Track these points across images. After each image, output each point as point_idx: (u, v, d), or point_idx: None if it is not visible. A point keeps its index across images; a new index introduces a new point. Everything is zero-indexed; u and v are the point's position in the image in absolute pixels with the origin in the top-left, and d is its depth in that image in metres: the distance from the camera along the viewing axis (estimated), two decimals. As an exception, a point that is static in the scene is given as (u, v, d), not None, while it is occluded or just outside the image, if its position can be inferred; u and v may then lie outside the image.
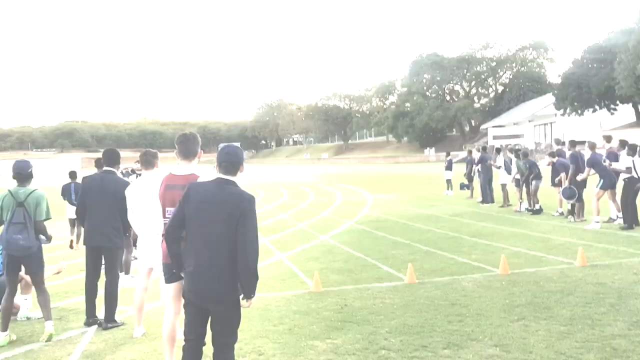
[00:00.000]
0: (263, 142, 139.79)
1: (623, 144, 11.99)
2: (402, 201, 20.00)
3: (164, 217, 4.30)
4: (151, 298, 6.29)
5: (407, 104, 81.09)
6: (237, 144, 4.85)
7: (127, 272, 8.33)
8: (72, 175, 12.14)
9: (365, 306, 6.41)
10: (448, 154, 23.70)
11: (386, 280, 7.73)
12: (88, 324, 6.10)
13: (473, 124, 79.99)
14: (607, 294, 6.40)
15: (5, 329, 5.61)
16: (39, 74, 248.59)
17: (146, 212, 5.48)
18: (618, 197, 11.99)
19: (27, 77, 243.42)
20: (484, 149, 19.79)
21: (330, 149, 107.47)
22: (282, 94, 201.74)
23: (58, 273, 6.81)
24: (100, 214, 6.04)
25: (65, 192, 11.92)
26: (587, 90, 39.73)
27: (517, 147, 17.59)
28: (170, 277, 4.33)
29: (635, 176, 11.18)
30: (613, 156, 12.21)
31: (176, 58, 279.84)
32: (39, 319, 6.50)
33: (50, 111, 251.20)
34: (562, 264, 8.16)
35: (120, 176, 7.01)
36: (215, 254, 3.56)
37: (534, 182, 14.45)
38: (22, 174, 5.72)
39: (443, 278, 7.67)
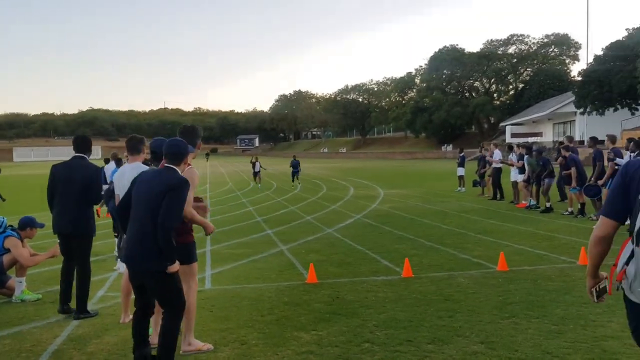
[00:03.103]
0: (281, 134, 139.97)
1: (638, 144, 11.68)
2: (413, 196, 19.86)
3: None
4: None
5: (426, 100, 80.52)
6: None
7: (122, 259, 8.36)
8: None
9: (357, 299, 6.35)
10: (461, 151, 23.46)
11: (382, 274, 7.66)
12: (62, 311, 5.94)
13: (492, 121, 79.12)
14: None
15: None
16: (62, 62, 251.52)
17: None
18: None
19: (50, 65, 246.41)
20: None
21: (348, 143, 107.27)
22: (301, 86, 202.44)
23: (53, 257, 6.84)
24: (68, 201, 5.91)
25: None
26: (608, 89, 38.95)
27: (528, 144, 17.23)
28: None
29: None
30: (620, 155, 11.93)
31: (198, 49, 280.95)
32: (33, 301, 6.58)
33: (72, 99, 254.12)
34: (564, 263, 8.00)
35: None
36: (141, 225, 3.99)
37: (546, 180, 14.22)
38: (157, 152, 5.56)
39: (440, 273, 7.58)
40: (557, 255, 8.56)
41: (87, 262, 6.01)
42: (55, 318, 5.91)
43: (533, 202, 14.96)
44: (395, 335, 5.00)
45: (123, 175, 5.54)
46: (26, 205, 17.91)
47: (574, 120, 49.29)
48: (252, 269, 8.21)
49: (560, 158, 13.50)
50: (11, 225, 6.95)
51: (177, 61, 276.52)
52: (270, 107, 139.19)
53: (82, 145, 6.18)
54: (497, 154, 18.09)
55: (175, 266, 3.97)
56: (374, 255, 9.04)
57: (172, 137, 4.51)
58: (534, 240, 10.06)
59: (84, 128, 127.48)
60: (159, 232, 3.85)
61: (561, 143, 14.37)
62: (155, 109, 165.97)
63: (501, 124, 70.84)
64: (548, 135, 56.51)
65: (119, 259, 8.36)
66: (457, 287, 6.81)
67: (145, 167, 5.48)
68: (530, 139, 52.34)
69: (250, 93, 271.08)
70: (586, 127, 44.66)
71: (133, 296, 5.88)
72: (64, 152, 65.66)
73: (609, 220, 2.57)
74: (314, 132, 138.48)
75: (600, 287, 2.75)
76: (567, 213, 13.43)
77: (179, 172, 4.16)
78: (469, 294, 6.46)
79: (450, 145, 74.21)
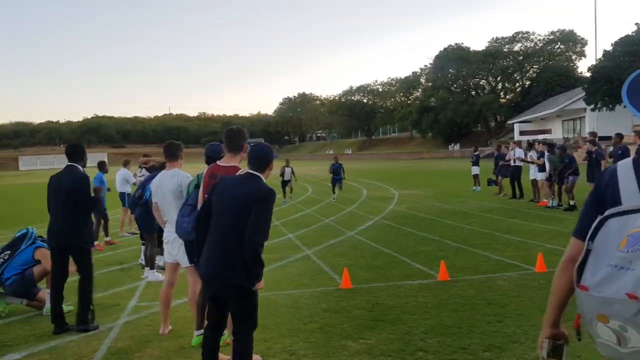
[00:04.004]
0: (286, 137, 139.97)
1: None
2: (428, 197, 19.66)
3: None
4: (177, 294, 6.14)
5: (432, 99, 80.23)
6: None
7: (152, 267, 8.22)
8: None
9: (398, 304, 6.17)
10: (475, 149, 23.22)
11: (417, 277, 7.47)
12: (57, 332, 5.66)
13: (499, 120, 78.79)
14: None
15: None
16: (65, 70, 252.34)
17: (170, 206, 5.31)
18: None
19: (54, 73, 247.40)
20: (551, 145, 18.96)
21: (353, 145, 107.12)
22: (305, 88, 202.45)
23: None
24: (57, 212, 5.74)
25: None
26: (618, 84, 38.55)
27: (551, 142, 17.02)
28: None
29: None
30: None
31: (201, 54, 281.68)
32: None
33: (77, 107, 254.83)
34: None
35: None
36: (229, 238, 3.69)
37: (570, 178, 14.01)
38: (214, 157, 5.15)
39: (477, 276, 7.39)
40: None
41: (88, 273, 5.79)
42: (99, 329, 5.74)
43: (555, 202, 14.75)
44: (448, 343, 4.82)
45: (162, 183, 5.38)
46: (32, 215, 17.80)
47: (584, 116, 48.89)
48: (282, 274, 8.04)
49: (585, 154, 13.29)
50: (40, 236, 6.81)
51: (181, 66, 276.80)
52: (274, 111, 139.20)
53: (73, 154, 5.96)
54: (519, 152, 17.88)
55: (262, 283, 3.77)
56: (402, 257, 8.85)
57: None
58: (564, 239, 9.83)
59: (90, 135, 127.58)
60: (247, 248, 3.61)
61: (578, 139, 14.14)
62: (160, 114, 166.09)
63: (509, 122, 70.50)
64: (557, 132, 56.10)
65: (147, 268, 8.22)
66: (497, 290, 6.63)
67: (187, 174, 5.33)
68: (540, 137, 51.96)
69: (255, 97, 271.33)
70: (596, 123, 44.33)
71: (172, 305, 5.78)
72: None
73: (578, 241, 1.96)
74: (318, 134, 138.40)
75: (557, 344, 2.03)
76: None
77: (264, 180, 3.94)
78: (512, 297, 6.27)
79: (458, 145, 73.92)
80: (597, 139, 14.04)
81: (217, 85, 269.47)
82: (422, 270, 7.92)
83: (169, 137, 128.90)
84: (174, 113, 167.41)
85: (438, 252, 9.22)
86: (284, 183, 20.30)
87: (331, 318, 5.75)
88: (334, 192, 20.45)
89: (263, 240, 3.67)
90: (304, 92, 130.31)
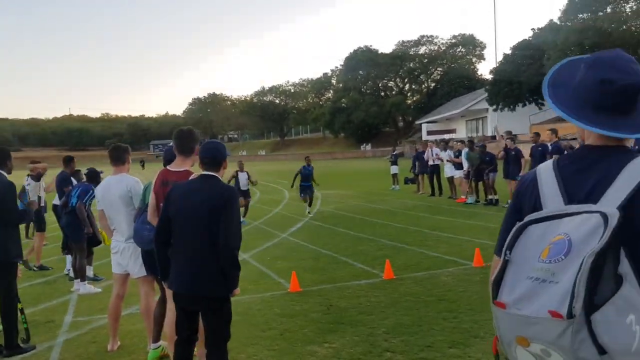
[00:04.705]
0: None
1: None
2: (351, 196, 19.95)
3: (159, 214, 4.08)
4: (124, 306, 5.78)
5: (344, 100, 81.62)
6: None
7: (82, 279, 7.70)
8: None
9: (352, 305, 6.18)
10: (394, 149, 23.89)
11: (363, 277, 7.54)
12: None
13: (407, 120, 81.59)
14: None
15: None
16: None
17: (118, 213, 4.99)
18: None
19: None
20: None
21: (267, 146, 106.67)
22: (215, 88, 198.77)
23: None
24: None
25: None
26: (517, 86, 41.26)
27: (471, 139, 17.84)
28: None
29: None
30: (556, 149, 12.50)
31: (101, 51, 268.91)
32: None
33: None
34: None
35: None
36: (199, 247, 3.52)
37: (490, 175, 14.73)
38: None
39: (420, 273, 7.57)
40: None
41: (11, 291, 5.25)
42: (36, 349, 5.28)
43: (473, 198, 15.46)
44: (413, 342, 4.89)
45: (109, 189, 5.04)
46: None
47: (486, 116, 51.75)
48: (225, 281, 7.80)
49: (502, 152, 14.05)
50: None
51: (81, 65, 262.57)
52: (183, 111, 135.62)
53: None
54: (437, 151, 18.57)
55: (238, 290, 3.64)
56: (344, 258, 8.90)
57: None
58: (491, 234, 10.33)
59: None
60: (224, 255, 3.45)
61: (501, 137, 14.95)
62: (59, 116, 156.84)
63: (416, 122, 73.20)
64: (461, 132, 58.95)
65: (77, 280, 7.69)
66: (443, 286, 6.82)
67: (135, 179, 5.03)
68: (447, 136, 54.37)
69: (161, 97, 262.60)
70: (498, 122, 47.03)
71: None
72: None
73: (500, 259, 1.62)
74: (230, 135, 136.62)
75: None
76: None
77: (221, 179, 3.76)
78: (459, 292, 6.48)
79: (369, 145, 75.68)
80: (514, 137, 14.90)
81: (121, 86, 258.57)
82: (365, 270, 8.00)
83: (70, 139, 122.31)
84: (75, 114, 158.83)
85: (377, 251, 9.36)
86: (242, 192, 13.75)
87: (289, 323, 5.66)
88: (308, 204, 15.41)
89: (238, 244, 3.56)
90: (214, 93, 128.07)
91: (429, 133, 66.45)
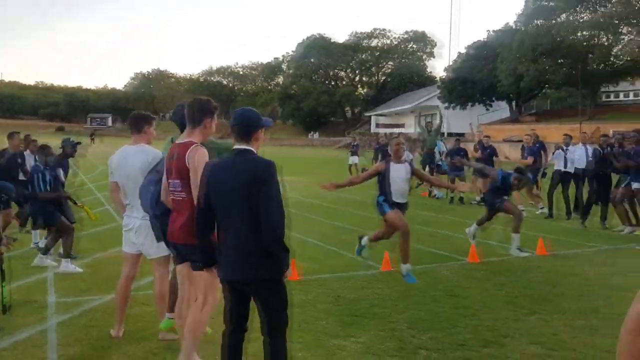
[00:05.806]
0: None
1: None
2: (312, 184, 19.62)
3: (169, 189, 3.96)
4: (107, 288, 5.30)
5: (294, 87, 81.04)
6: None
7: (67, 256, 7.05)
8: None
9: (360, 297, 5.97)
10: (354, 139, 23.84)
11: (359, 268, 7.33)
12: None
13: (356, 111, 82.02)
14: (590, 285, 6.54)
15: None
16: None
17: (137, 187, 4.49)
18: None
19: None
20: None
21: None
22: (159, 64, 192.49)
23: None
24: None
25: None
26: (471, 85, 42.19)
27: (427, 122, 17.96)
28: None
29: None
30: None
31: (39, 18, 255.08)
32: None
33: None
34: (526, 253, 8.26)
35: None
36: (242, 229, 3.28)
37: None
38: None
39: (416, 266, 7.40)
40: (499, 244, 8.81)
41: None
42: (20, 334, 4.74)
43: (441, 192, 15.64)
44: (442, 339, 4.72)
45: (125, 160, 4.55)
46: None
47: (436, 113, 52.65)
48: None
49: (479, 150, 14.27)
50: None
51: (12, 28, 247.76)
52: (125, 85, 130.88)
53: None
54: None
55: (290, 271, 3.38)
56: (332, 248, 8.68)
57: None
58: (461, 227, 10.30)
59: None
60: (268, 239, 3.18)
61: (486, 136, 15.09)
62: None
63: (366, 114, 73.69)
64: (410, 127, 59.83)
65: (66, 260, 7.01)
66: (447, 281, 6.72)
67: (157, 150, 4.57)
68: (396, 130, 55.06)
69: (101, 69, 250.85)
70: (447, 120, 47.99)
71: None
72: None
73: None
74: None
75: None
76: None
77: (256, 152, 3.43)
78: (465, 288, 6.40)
79: (317, 133, 75.57)
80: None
81: (57, 52, 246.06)
82: (358, 260, 7.78)
83: (1, 106, 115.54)
84: (6, 80, 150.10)
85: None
86: None
87: (302, 314, 5.36)
88: None
89: (282, 224, 3.28)
90: (158, 68, 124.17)
91: (378, 126, 67.12)
